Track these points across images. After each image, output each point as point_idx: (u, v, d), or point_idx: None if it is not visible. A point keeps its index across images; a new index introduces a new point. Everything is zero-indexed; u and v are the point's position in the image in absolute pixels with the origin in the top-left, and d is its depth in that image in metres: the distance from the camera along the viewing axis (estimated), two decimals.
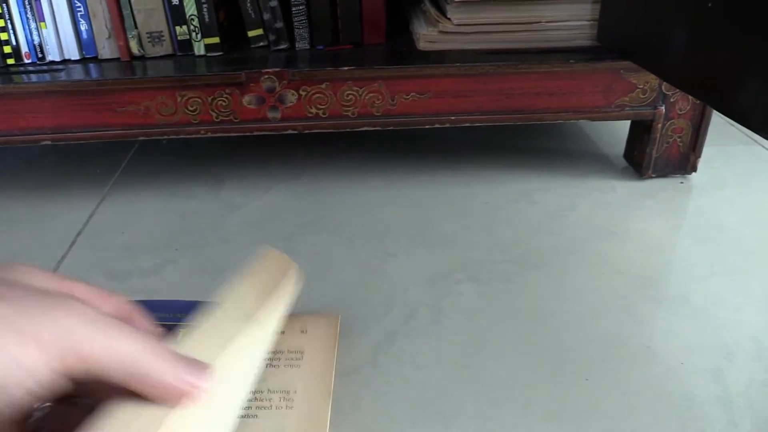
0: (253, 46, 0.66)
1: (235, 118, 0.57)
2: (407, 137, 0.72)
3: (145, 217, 0.59)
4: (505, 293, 0.47)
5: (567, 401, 0.38)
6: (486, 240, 0.54)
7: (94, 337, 0.23)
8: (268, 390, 0.36)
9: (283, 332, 0.41)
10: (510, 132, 0.73)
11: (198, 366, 0.25)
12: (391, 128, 0.59)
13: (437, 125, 0.59)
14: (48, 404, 0.26)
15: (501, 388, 0.39)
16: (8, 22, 0.64)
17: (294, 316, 0.42)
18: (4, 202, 0.62)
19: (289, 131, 0.58)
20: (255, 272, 0.34)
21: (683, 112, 0.60)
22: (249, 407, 0.36)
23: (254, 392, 0.36)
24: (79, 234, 0.57)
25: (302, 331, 0.41)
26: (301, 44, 0.65)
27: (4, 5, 0.63)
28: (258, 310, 0.31)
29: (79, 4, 0.63)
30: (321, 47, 0.65)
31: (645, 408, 0.37)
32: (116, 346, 0.23)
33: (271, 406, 0.36)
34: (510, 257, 0.51)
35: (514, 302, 0.46)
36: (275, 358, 0.39)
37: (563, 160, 0.67)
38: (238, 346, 0.28)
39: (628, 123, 0.66)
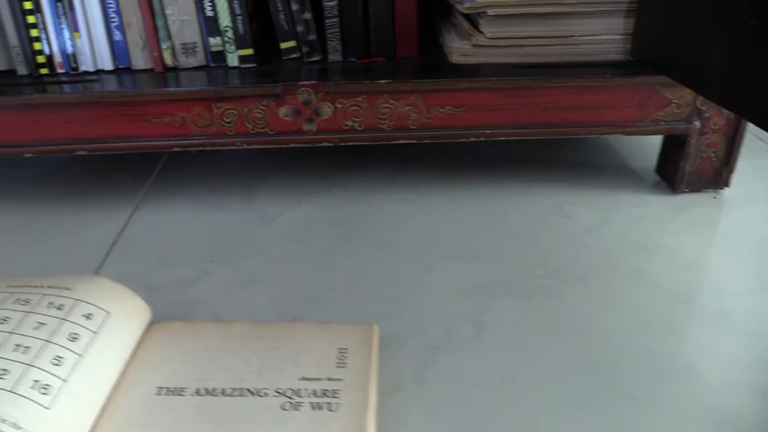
0: (285, 58, 0.66)
1: (271, 130, 0.58)
2: (439, 150, 0.72)
3: (179, 228, 0.59)
4: (545, 308, 0.47)
5: (614, 419, 0.37)
6: (523, 254, 0.53)
7: None
8: (310, 402, 0.36)
9: (318, 340, 0.41)
10: (540, 146, 0.73)
11: None
12: (426, 141, 0.58)
13: (472, 138, 0.59)
14: None
15: (547, 406, 0.38)
16: (42, 31, 0.64)
17: (331, 326, 0.42)
18: (37, 212, 0.62)
19: (324, 143, 0.58)
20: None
21: (717, 127, 0.60)
22: (292, 406, 0.36)
23: (293, 395, 0.36)
24: (113, 245, 0.57)
25: (341, 340, 0.41)
26: (334, 56, 0.65)
27: (38, 15, 0.63)
28: None
29: (113, 15, 0.63)
30: (353, 60, 0.65)
31: (690, 426, 0.37)
32: None
33: (316, 406, 0.36)
34: (548, 271, 0.51)
35: (555, 317, 0.46)
36: (315, 367, 0.39)
37: (594, 174, 0.67)
38: None
39: (657, 137, 0.66)
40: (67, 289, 0.40)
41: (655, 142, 0.67)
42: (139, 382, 0.38)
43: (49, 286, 0.40)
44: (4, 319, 0.37)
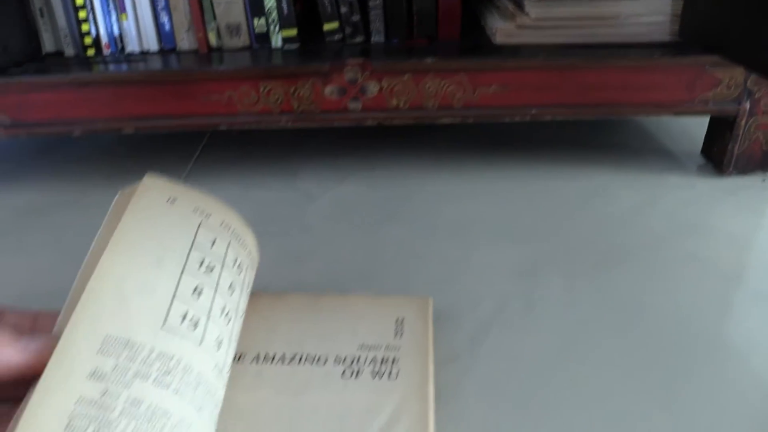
0: (327, 39, 0.66)
1: (316, 109, 0.58)
2: (481, 133, 0.72)
3: None
4: (594, 287, 0.47)
5: (667, 394, 0.37)
6: (569, 234, 0.53)
7: None
8: (370, 370, 0.36)
9: (375, 310, 0.41)
10: (582, 129, 0.72)
11: (46, 332, 0.25)
12: (470, 121, 0.58)
13: (517, 118, 0.58)
14: None
15: (598, 379, 0.38)
16: (90, 13, 0.65)
17: (387, 298, 0.42)
18: (85, 190, 0.63)
19: (369, 122, 0.58)
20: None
21: None
22: (352, 373, 0.36)
23: (353, 363, 0.37)
24: None
25: (397, 311, 0.41)
26: (377, 38, 0.65)
27: None
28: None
29: None
30: (395, 41, 0.65)
31: (739, 402, 0.36)
32: None
33: (376, 374, 0.36)
34: (595, 251, 0.51)
35: (604, 297, 0.46)
36: (373, 336, 0.39)
37: (637, 157, 0.66)
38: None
39: (702, 121, 0.65)
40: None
41: (699, 126, 0.66)
42: None
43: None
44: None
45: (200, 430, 0.26)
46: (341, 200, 0.60)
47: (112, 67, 0.62)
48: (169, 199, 0.33)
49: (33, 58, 0.65)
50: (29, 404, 0.22)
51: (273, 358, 0.38)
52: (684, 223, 0.54)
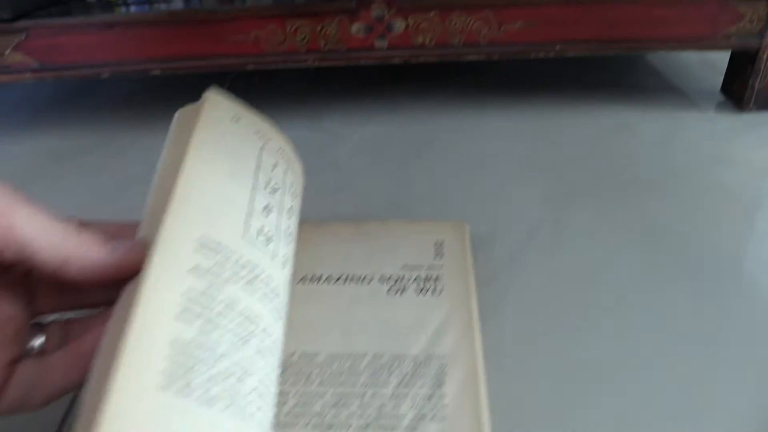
0: None
1: (343, 47, 0.58)
2: (504, 72, 0.72)
3: None
4: (622, 212, 0.48)
5: (695, 310, 0.39)
6: (595, 165, 0.54)
7: (28, 216, 0.23)
8: (414, 287, 0.38)
9: (414, 234, 0.42)
10: (602, 68, 0.73)
11: (130, 238, 0.26)
12: (496, 58, 0.59)
13: (542, 54, 0.59)
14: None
15: (627, 294, 0.40)
16: None
17: (424, 223, 0.44)
18: (113, 134, 0.64)
19: (395, 60, 0.59)
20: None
21: None
22: (397, 290, 0.37)
23: (397, 282, 0.38)
24: None
25: (436, 234, 0.42)
26: None
27: None
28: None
29: None
30: None
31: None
32: (48, 226, 0.23)
33: (421, 291, 0.37)
34: (623, 180, 0.52)
35: (633, 221, 0.47)
36: (415, 256, 0.40)
37: (657, 95, 0.67)
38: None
39: (722, 59, 0.65)
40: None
41: (718, 65, 0.67)
42: None
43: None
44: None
45: (277, 341, 0.27)
46: (368, 139, 0.61)
47: (134, 8, 0.62)
48: (233, 117, 0.34)
49: (57, 1, 0.65)
50: (139, 294, 0.22)
51: (320, 279, 0.39)
52: (706, 154, 0.56)
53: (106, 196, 0.54)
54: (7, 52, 0.59)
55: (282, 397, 0.31)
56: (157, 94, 0.73)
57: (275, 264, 0.29)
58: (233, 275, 0.26)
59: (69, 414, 0.35)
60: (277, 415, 0.29)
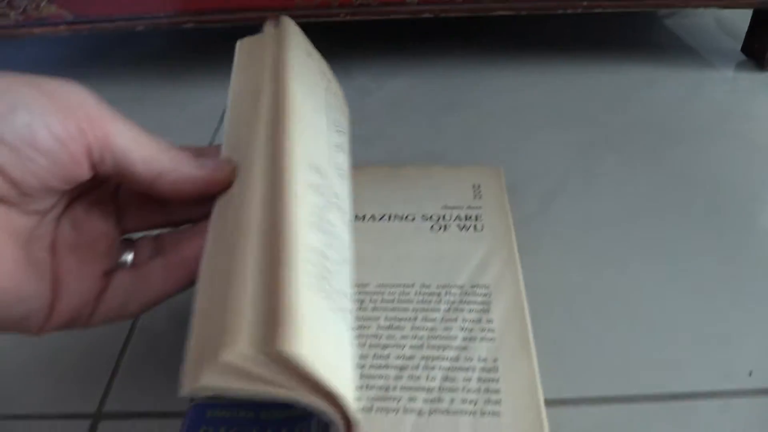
0: None
1: (374, 1, 0.59)
2: (528, 31, 0.73)
3: None
4: (649, 162, 0.50)
5: (723, 249, 0.41)
6: (621, 119, 0.56)
7: (123, 129, 0.24)
8: (456, 225, 0.40)
9: (452, 177, 0.44)
10: (623, 29, 0.74)
11: (215, 157, 0.27)
12: (524, 13, 0.60)
13: (569, 10, 0.60)
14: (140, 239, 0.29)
15: (658, 235, 0.42)
16: None
17: (461, 168, 0.45)
18: (148, 88, 0.66)
19: (426, 15, 0.60)
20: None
21: None
22: (440, 227, 0.39)
23: (439, 220, 0.40)
24: (225, 112, 0.60)
25: (473, 178, 0.44)
26: None
27: None
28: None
29: None
30: None
31: None
32: (143, 141, 0.24)
33: (463, 227, 0.39)
34: (647, 133, 0.54)
35: (661, 169, 0.49)
36: (455, 197, 0.42)
37: (678, 54, 0.68)
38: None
39: (743, 20, 0.66)
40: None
41: (733, 27, 0.68)
42: None
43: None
44: None
45: (350, 270, 0.28)
46: (398, 92, 0.62)
47: None
48: (307, 51, 0.35)
49: None
50: (280, 204, 0.23)
51: (364, 218, 0.41)
52: (729, 109, 0.57)
53: None
54: (42, 5, 0.60)
55: None
56: (190, 48, 0.74)
57: (345, 198, 0.31)
58: (331, 201, 0.27)
59: (127, 344, 0.37)
60: None
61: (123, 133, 0.24)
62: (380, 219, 0.41)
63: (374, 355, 0.32)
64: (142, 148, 0.24)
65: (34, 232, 0.24)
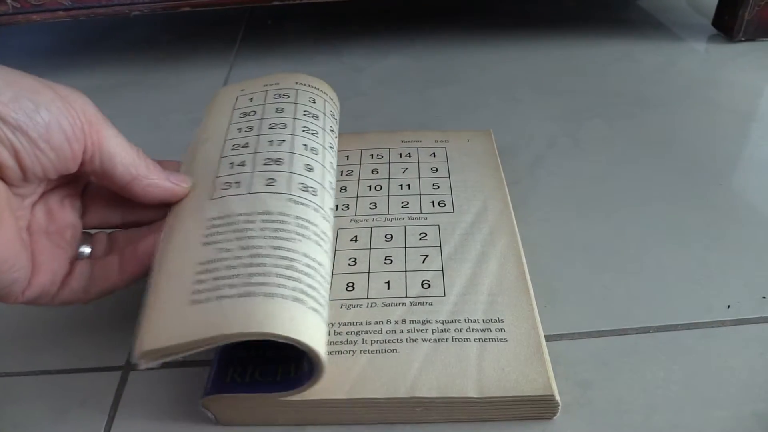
0: None
1: None
2: (508, 10, 0.76)
3: None
4: (631, 126, 0.53)
5: (702, 200, 0.44)
6: (601, 88, 0.59)
7: (112, 135, 0.28)
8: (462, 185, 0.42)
9: (447, 141, 0.47)
10: (600, 7, 0.77)
11: (177, 173, 0.32)
12: None
13: None
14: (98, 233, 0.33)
15: (641, 192, 0.45)
16: None
17: (452, 131, 0.48)
18: (144, 71, 0.67)
19: None
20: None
21: None
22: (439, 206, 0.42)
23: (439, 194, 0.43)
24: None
25: (467, 140, 0.47)
26: None
27: None
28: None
29: None
30: None
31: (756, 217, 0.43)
32: (126, 148, 0.29)
33: (460, 196, 0.42)
34: (628, 100, 0.57)
35: (640, 132, 0.52)
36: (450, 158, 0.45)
37: (651, 30, 0.71)
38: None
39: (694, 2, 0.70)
40: (277, 84, 0.39)
41: (703, 6, 0.72)
42: None
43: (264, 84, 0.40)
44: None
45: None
46: (388, 70, 0.65)
47: None
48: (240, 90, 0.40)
49: None
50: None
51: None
52: (702, 78, 0.60)
53: (144, 126, 0.58)
54: None
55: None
56: (179, 32, 0.76)
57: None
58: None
59: None
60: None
61: (112, 139, 0.28)
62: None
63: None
64: (126, 154, 0.28)
65: (17, 213, 0.27)
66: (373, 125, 0.55)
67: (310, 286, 0.27)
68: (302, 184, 0.31)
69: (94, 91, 0.66)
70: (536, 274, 0.36)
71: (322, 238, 0.29)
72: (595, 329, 0.36)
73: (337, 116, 0.39)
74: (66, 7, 0.62)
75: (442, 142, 0.47)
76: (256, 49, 0.71)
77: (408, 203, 0.41)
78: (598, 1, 0.79)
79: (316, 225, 0.30)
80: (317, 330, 0.26)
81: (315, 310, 0.26)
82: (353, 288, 0.35)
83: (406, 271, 0.36)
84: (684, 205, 0.44)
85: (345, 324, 0.32)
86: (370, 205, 0.41)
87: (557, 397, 0.29)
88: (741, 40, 0.67)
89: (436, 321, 0.32)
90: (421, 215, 0.40)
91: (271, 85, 0.39)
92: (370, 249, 0.37)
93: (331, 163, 0.35)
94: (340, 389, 0.29)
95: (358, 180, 0.43)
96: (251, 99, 0.38)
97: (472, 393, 0.29)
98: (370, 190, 0.42)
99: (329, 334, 0.31)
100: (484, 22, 0.74)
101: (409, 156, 0.45)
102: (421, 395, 0.28)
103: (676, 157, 0.49)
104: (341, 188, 0.42)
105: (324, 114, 0.37)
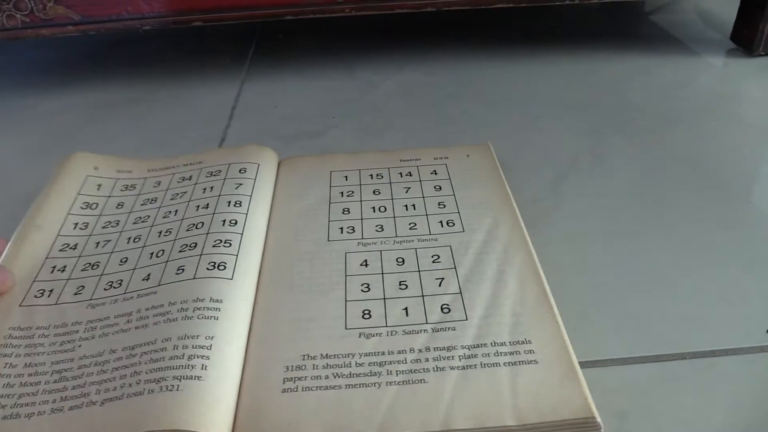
0: None
1: None
2: (525, 25, 0.75)
3: (292, 95, 0.63)
4: (653, 142, 0.52)
5: (737, 216, 0.43)
6: (622, 104, 0.58)
7: None
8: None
9: (447, 157, 0.46)
10: (616, 21, 0.76)
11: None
12: (523, 5, 0.62)
13: (567, 2, 0.62)
14: None
15: (665, 209, 0.44)
16: None
17: (451, 147, 0.47)
18: (154, 87, 0.66)
19: (428, 8, 0.62)
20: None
21: None
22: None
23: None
24: (234, 108, 0.61)
25: (467, 155, 0.46)
26: None
27: None
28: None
29: None
30: None
31: None
32: None
33: (468, 214, 0.40)
34: (649, 116, 0.56)
35: (664, 149, 0.51)
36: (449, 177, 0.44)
37: (669, 44, 0.70)
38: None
39: (723, 15, 0.69)
40: (200, 162, 0.45)
41: (716, 19, 0.71)
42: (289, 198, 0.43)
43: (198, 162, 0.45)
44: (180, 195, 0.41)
45: None
46: (402, 85, 0.63)
47: None
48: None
49: None
50: None
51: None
52: (723, 93, 0.59)
53: (152, 140, 0.57)
54: (49, 5, 0.61)
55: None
56: (190, 46, 0.75)
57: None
58: None
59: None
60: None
61: None
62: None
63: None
64: None
65: None
66: (391, 141, 0.54)
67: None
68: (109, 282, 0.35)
69: (103, 106, 0.67)
70: (563, 297, 0.35)
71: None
72: (628, 355, 0.34)
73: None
74: (75, 21, 0.62)
75: (441, 158, 0.46)
76: (267, 64, 0.70)
77: (416, 224, 0.39)
78: (609, 15, 0.78)
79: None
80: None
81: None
82: (370, 316, 0.33)
83: (423, 296, 0.34)
84: (714, 224, 0.42)
85: (366, 354, 0.31)
86: (377, 228, 0.39)
87: (598, 419, 0.27)
88: (761, 54, 0.66)
89: (462, 347, 0.31)
90: (431, 236, 0.38)
91: (123, 171, 0.44)
92: (382, 274, 0.36)
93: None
94: (370, 425, 0.27)
95: (361, 201, 0.42)
96: (99, 186, 0.42)
97: (509, 421, 0.27)
98: (374, 211, 0.41)
99: (350, 366, 0.30)
100: (495, 37, 0.73)
101: (410, 175, 0.44)
102: (456, 427, 0.27)
103: (702, 173, 0.48)
104: (344, 209, 0.41)
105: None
